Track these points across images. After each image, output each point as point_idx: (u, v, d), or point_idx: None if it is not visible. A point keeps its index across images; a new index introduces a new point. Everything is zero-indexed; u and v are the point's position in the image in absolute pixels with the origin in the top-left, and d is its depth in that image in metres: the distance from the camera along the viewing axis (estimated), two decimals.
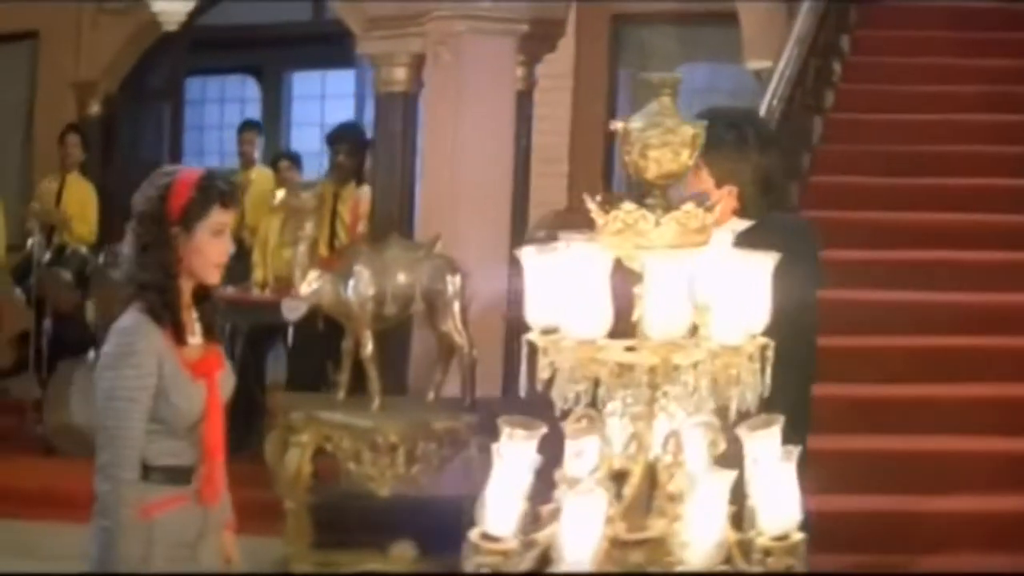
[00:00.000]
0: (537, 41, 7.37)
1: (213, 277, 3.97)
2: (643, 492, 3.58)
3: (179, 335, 3.89)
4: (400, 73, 6.99)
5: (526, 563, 3.60)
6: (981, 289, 7.63)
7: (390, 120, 7.09)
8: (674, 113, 3.53)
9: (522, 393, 3.66)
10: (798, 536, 3.53)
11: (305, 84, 16.44)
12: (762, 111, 7.12)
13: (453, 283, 6.46)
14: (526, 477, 3.60)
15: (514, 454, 3.56)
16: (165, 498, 3.91)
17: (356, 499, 7.01)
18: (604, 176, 11.73)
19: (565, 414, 3.55)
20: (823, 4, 8.18)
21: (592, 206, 3.55)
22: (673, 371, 3.41)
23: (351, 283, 6.56)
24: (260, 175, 9.93)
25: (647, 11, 11.60)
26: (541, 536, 3.62)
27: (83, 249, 9.56)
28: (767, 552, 3.49)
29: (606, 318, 3.44)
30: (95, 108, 12.04)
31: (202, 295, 4.02)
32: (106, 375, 3.87)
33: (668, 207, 3.48)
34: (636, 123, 3.55)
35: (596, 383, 3.57)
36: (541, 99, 8.11)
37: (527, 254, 3.57)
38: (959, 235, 8.06)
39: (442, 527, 6.64)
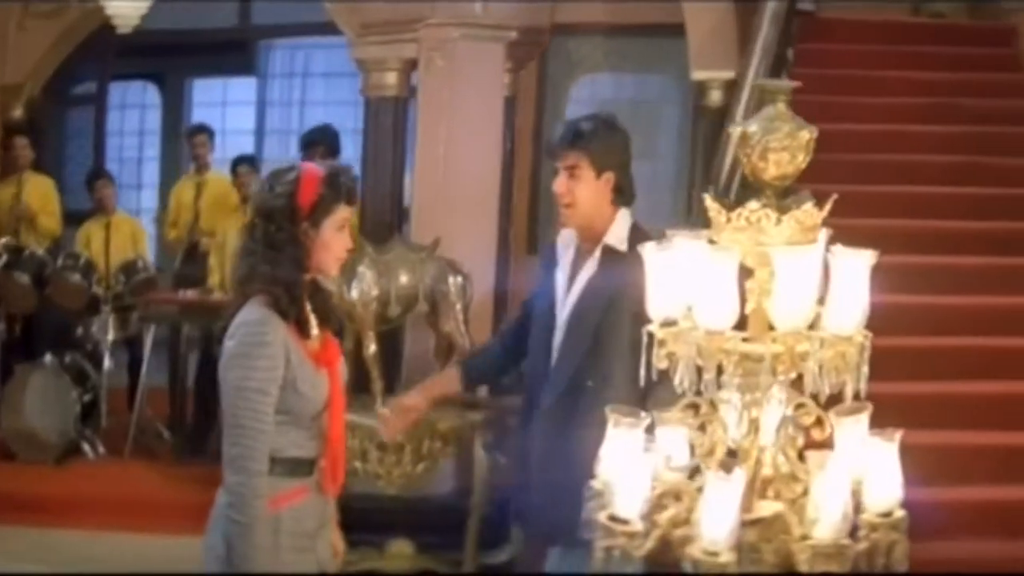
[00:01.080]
0: (523, 48, 7.60)
1: (334, 270, 4.01)
2: (756, 474, 3.82)
3: (303, 328, 3.92)
4: (391, 78, 7.15)
5: (649, 543, 3.82)
6: (922, 292, 7.86)
7: (381, 124, 7.23)
8: (790, 119, 3.78)
9: (641, 383, 3.82)
10: (900, 513, 3.78)
11: (206, 91, 16.39)
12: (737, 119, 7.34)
13: (456, 284, 6.63)
14: (649, 462, 3.82)
15: (644, 441, 3.78)
16: (291, 490, 3.96)
17: (350, 498, 7.12)
18: (532, 181, 11.90)
19: None
20: (780, 16, 8.40)
21: (713, 205, 3.78)
22: (799, 360, 3.64)
23: (355, 284, 6.70)
24: (214, 179, 9.96)
25: (574, 21, 11.80)
26: (662, 518, 3.84)
27: (40, 251, 9.49)
28: (873, 527, 3.73)
29: (734, 310, 3.67)
30: (18, 112, 11.89)
31: (313, 287, 4.04)
32: (235, 369, 3.85)
33: (782, 208, 3.73)
34: (754, 127, 3.79)
35: (700, 372, 3.80)
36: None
37: (649, 250, 3.79)
38: (900, 240, 8.36)
39: (440, 524, 6.83)
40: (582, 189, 4.72)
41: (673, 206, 10.39)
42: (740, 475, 3.57)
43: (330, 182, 3.90)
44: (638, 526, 3.76)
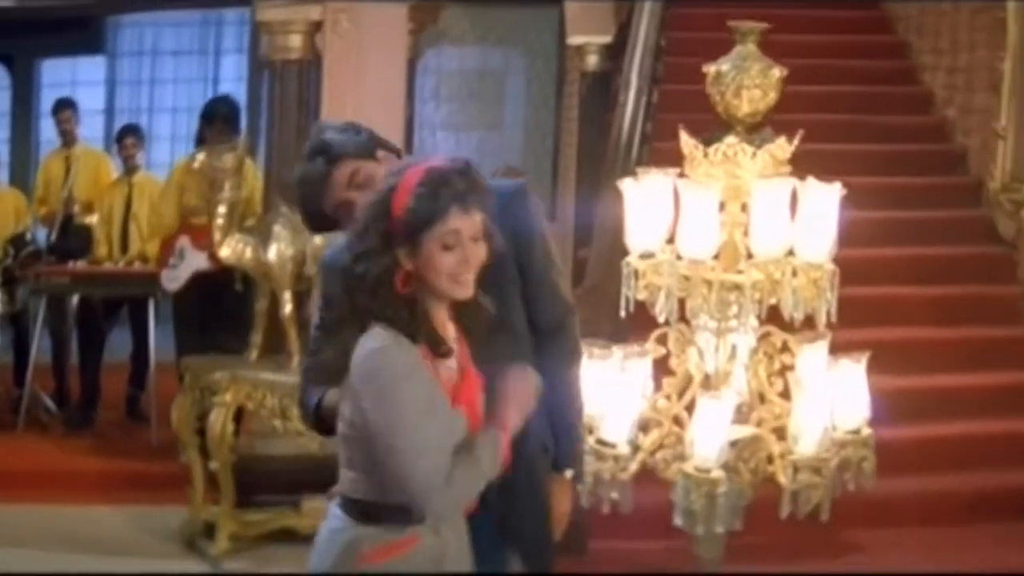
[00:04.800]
0: (423, 11, 7.69)
1: (454, 292, 3.15)
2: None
3: (437, 346, 3.15)
4: (296, 40, 7.16)
5: (634, 466, 3.99)
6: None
7: (286, 87, 7.25)
8: (760, 58, 3.97)
9: (622, 313, 3.98)
10: (868, 431, 4.01)
11: (55, 72, 16.10)
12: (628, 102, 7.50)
13: None
14: (637, 390, 3.99)
15: (630, 370, 3.94)
16: (400, 540, 3.17)
17: (265, 459, 7.18)
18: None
19: None
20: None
21: (689, 141, 3.96)
22: (776, 286, 3.84)
23: (271, 244, 6.72)
24: (87, 152, 9.84)
25: None
26: (646, 442, 4.01)
27: None
28: (843, 444, 3.95)
29: (715, 241, 3.85)
30: None
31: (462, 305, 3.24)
32: (383, 411, 3.05)
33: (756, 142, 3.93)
34: (726, 66, 3.98)
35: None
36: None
37: (628, 185, 3.95)
38: None
39: None
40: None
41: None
42: (729, 396, 3.75)
43: (426, 189, 3.09)
44: (624, 449, 3.94)
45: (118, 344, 9.15)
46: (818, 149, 8.72)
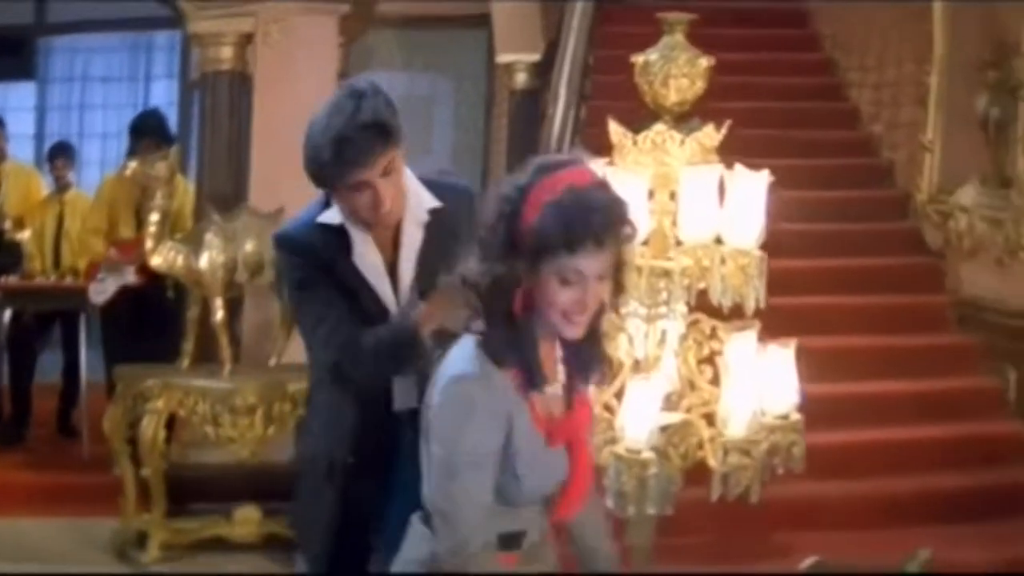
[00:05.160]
0: (354, 22, 7.72)
1: (565, 331, 2.85)
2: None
3: (534, 378, 2.86)
4: (227, 52, 7.18)
5: None
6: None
7: (217, 98, 7.26)
8: (688, 48, 4.03)
9: None
10: (797, 416, 4.05)
11: None
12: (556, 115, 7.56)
13: None
14: None
15: None
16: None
17: (197, 467, 7.17)
18: None
19: None
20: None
21: (618, 129, 4.00)
22: (705, 273, 3.88)
23: (203, 251, 6.72)
24: (16, 168, 9.80)
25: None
26: None
27: None
28: (772, 429, 3.99)
29: (644, 227, 3.88)
30: None
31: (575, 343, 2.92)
32: (441, 445, 2.86)
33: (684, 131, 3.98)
34: (654, 56, 4.04)
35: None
36: None
37: None
38: None
39: (287, 489, 6.88)
40: (400, 176, 3.47)
41: None
42: (659, 379, 3.78)
43: (558, 213, 2.73)
44: None
45: (48, 364, 9.13)
46: (745, 163, 8.88)
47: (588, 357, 2.96)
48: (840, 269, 7.79)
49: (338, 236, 3.45)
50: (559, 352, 2.95)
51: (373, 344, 3.34)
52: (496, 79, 10.78)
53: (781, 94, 9.09)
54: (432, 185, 3.57)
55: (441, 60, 12.41)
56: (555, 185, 2.74)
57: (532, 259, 2.75)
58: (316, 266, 3.42)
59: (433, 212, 3.50)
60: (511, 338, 2.81)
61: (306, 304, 3.46)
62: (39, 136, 15.14)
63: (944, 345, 7.47)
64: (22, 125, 14.94)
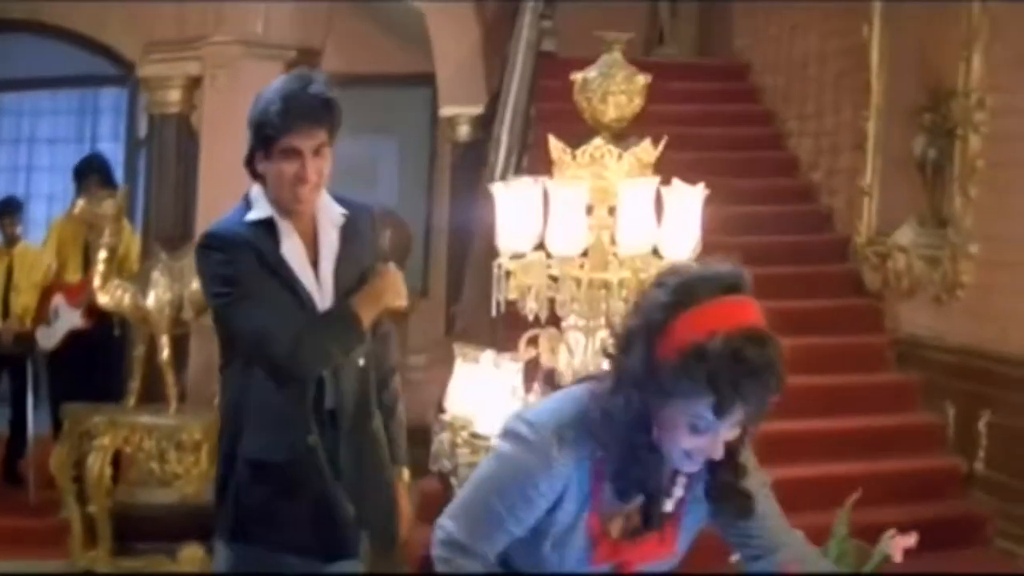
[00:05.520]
0: (298, 67, 7.79)
1: (683, 465, 2.57)
2: None
3: (622, 493, 2.60)
4: (175, 95, 7.26)
5: None
6: None
7: (165, 139, 7.34)
8: (626, 66, 4.13)
9: (493, 313, 4.08)
10: None
11: None
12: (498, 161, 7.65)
13: None
14: (508, 388, 4.10)
15: (502, 369, 4.05)
16: None
17: (142, 507, 7.16)
18: None
19: None
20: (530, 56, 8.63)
21: (557, 144, 4.09)
22: (643, 284, 3.94)
23: (150, 289, 6.78)
24: None
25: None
26: None
27: None
28: None
29: (583, 239, 3.97)
30: None
31: None
32: (476, 475, 2.72)
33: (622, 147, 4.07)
34: (593, 73, 4.13)
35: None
36: None
37: (499, 189, 4.07)
38: None
39: None
40: (327, 166, 3.63)
41: None
42: None
43: (695, 364, 2.42)
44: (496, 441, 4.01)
45: None
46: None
47: (724, 485, 2.66)
48: (780, 311, 7.72)
49: (266, 229, 3.58)
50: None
51: (306, 321, 3.51)
52: (439, 133, 10.83)
53: (723, 144, 9.20)
54: (339, 200, 3.77)
55: (385, 118, 12.51)
56: (704, 323, 2.44)
57: (667, 395, 2.45)
58: (247, 259, 3.52)
59: (344, 217, 3.71)
60: (647, 466, 2.54)
61: (236, 292, 3.52)
62: None
63: (884, 383, 7.58)
64: None
